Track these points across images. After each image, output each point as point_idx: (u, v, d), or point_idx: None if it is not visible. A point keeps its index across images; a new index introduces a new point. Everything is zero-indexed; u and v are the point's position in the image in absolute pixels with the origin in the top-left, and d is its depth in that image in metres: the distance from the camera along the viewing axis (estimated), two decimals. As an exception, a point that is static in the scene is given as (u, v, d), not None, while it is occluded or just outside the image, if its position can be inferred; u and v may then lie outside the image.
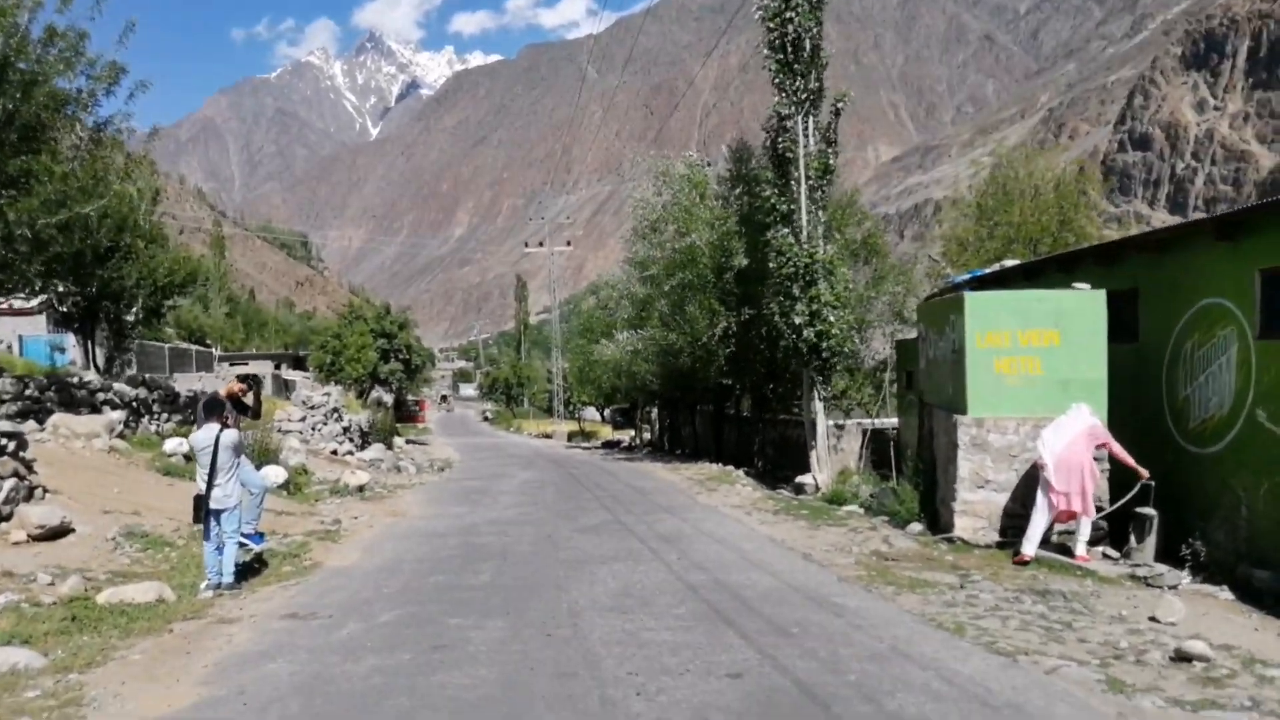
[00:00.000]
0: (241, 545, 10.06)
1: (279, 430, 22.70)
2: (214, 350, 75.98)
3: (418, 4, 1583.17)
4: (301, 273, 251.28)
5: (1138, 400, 10.30)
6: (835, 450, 21.48)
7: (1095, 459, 9.28)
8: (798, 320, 17.91)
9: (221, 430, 8.42)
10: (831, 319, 18.04)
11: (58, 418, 14.58)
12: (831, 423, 19.98)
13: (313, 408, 23.69)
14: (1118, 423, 9.70)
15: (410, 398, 57.94)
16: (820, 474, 18.50)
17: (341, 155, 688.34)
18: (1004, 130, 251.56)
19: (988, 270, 16.12)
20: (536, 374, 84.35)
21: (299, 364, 61.28)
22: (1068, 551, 9.17)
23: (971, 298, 10.12)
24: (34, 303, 23.23)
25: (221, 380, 56.76)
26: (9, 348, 33.65)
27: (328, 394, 24.73)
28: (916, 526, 10.73)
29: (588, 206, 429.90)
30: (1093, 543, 9.59)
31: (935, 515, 10.76)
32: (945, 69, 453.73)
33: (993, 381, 9.90)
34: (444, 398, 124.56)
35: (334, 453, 22.53)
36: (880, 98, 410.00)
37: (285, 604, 7.55)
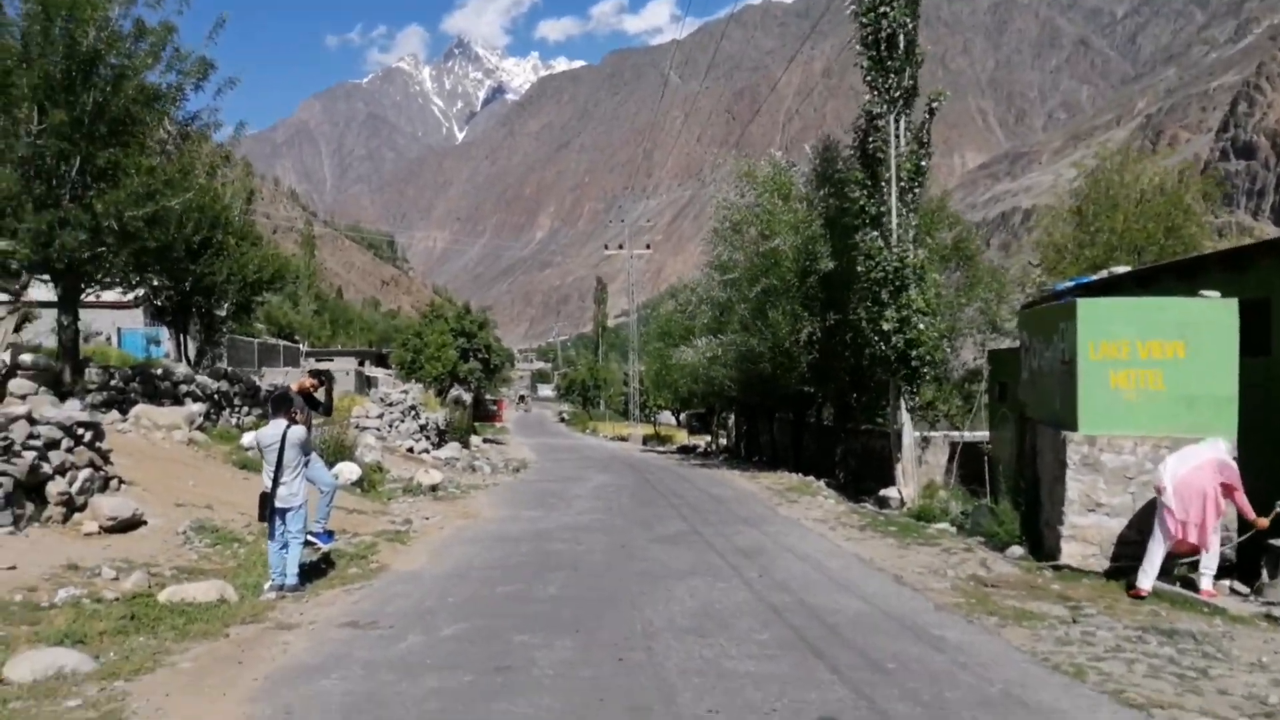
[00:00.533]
0: (309, 544, 9.86)
1: (357, 426, 22.79)
2: (301, 346, 77.99)
3: (505, 10, 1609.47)
4: (387, 272, 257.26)
5: (1270, 420, 9.35)
6: (921, 463, 20.56)
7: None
8: (886, 327, 17.15)
9: (289, 427, 8.17)
10: (921, 326, 17.22)
11: (140, 409, 14.73)
12: (918, 434, 19.10)
13: (390, 405, 23.74)
14: (1245, 443, 8.81)
15: (488, 397, 58.29)
16: (906, 488, 17.68)
17: (428, 159, 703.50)
18: (1098, 137, 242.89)
19: (1095, 277, 15.11)
20: (613, 376, 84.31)
21: (382, 361, 62.36)
22: (1190, 585, 8.31)
23: (1085, 304, 9.31)
24: (129, 296, 23.90)
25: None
26: (108, 339, 34.81)
27: (405, 391, 24.77)
28: (1017, 550, 9.93)
29: (668, 211, 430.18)
30: (1218, 576, 8.70)
31: (1038, 539, 9.95)
32: (1037, 74, 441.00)
33: (1107, 396, 9.08)
34: (522, 398, 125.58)
35: (410, 450, 22.51)
36: (969, 103, 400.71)
37: (346, 610, 7.24)
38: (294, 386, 9.85)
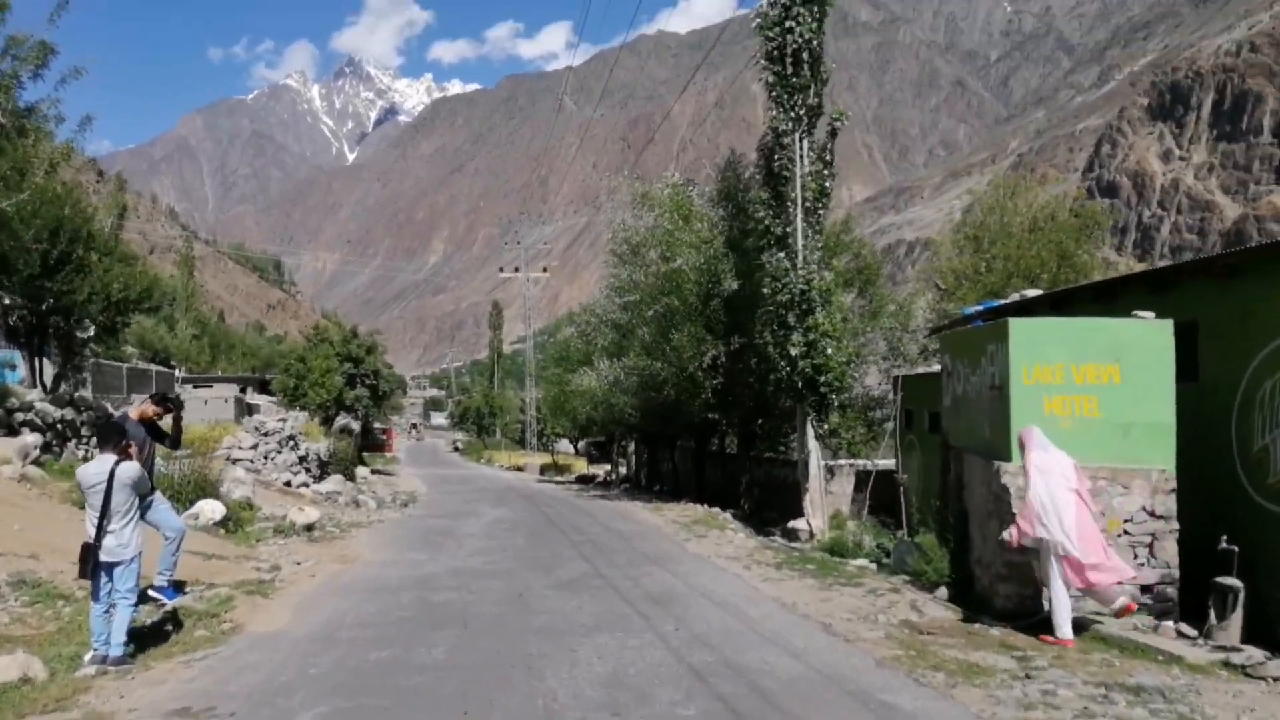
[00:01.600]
0: (151, 600, 8.43)
1: (228, 458, 20.94)
2: (177, 371, 73.62)
3: (398, 31, 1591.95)
4: (273, 296, 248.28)
5: (1199, 449, 8.94)
6: (827, 492, 20.02)
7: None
8: (793, 351, 16.60)
9: (118, 463, 6.78)
10: (830, 350, 16.73)
11: (-38, 441, 12.83)
12: (824, 463, 18.58)
13: (266, 434, 21.91)
14: (1178, 474, 8.37)
15: (377, 426, 55.86)
16: (814, 519, 17.08)
17: (317, 179, 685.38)
18: (975, 174, 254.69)
19: (1005, 300, 14.86)
20: (509, 404, 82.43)
21: (265, 388, 59.18)
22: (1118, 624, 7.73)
23: (1018, 324, 8.73)
24: None
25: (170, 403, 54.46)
26: (-45, 364, 31.63)
27: (283, 420, 22.97)
28: (944, 591, 9.25)
29: (564, 237, 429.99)
30: (1159, 615, 8.18)
31: (968, 578, 9.30)
32: (918, 112, 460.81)
33: (1042, 424, 8.49)
34: (414, 426, 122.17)
35: (287, 484, 20.76)
36: (855, 138, 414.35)
37: (180, 690, 5.91)
38: (133, 414, 8.42)
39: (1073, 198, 28.94)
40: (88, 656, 6.62)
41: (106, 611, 6.68)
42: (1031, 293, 13.90)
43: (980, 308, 15.23)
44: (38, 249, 18.81)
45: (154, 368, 63.64)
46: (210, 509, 13.38)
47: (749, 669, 6.45)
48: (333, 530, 14.84)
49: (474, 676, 6.19)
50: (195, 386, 68.65)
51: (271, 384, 53.68)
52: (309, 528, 14.17)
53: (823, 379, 16.70)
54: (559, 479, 45.38)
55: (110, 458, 6.83)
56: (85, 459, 15.78)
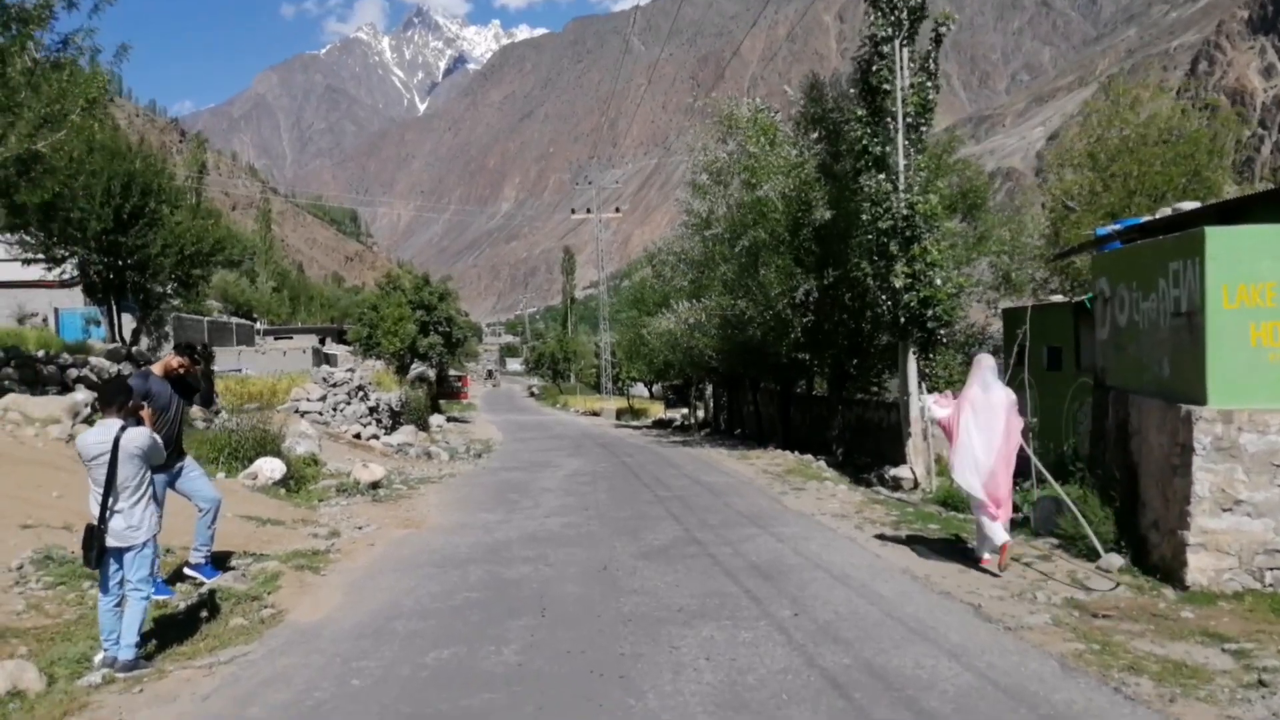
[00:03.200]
0: (188, 579, 7.41)
1: (296, 411, 20.26)
2: (258, 324, 74.68)
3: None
4: (351, 248, 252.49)
5: None
6: (927, 436, 18.38)
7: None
8: (897, 283, 14.92)
9: (123, 430, 5.64)
10: (938, 281, 15.00)
11: (11, 399, 12.09)
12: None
13: (334, 385, 21.14)
14: None
15: (452, 373, 55.56)
16: (918, 466, 15.56)
17: (390, 131, 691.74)
18: (1061, 99, 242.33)
19: (1147, 218, 12.87)
20: (584, 349, 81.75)
21: (343, 338, 59.41)
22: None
23: (1216, 234, 6.97)
24: (54, 273, 21.37)
25: (261, 354, 54.89)
26: (44, 320, 31.89)
27: (351, 369, 22.17)
28: (1116, 559, 7.66)
29: (634, 180, 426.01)
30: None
31: (1141, 545, 7.69)
32: (1000, 36, 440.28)
33: (1248, 357, 6.80)
34: (490, 373, 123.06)
35: (357, 436, 19.99)
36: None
37: (190, 713, 4.77)
38: (156, 369, 7.31)
39: (1203, 104, 26.09)
40: (97, 659, 5.57)
41: (117, 605, 5.60)
42: (1187, 205, 11.87)
43: (1117, 226, 13.29)
44: (106, 204, 18.38)
45: (235, 320, 64.54)
46: (270, 468, 12.48)
47: (902, 678, 5.04)
48: (400, 488, 13.84)
49: (554, 692, 4.92)
50: (276, 338, 69.80)
51: (347, 334, 53.79)
52: (374, 485, 13.19)
53: (929, 313, 15.05)
54: (635, 424, 44.34)
55: (115, 423, 5.68)
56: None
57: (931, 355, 15.65)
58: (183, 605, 6.86)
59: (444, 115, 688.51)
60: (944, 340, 17.01)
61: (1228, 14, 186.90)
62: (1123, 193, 21.95)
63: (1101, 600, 6.90)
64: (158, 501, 7.08)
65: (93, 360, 14.84)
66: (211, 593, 6.99)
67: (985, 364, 8.23)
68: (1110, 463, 8.54)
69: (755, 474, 15.62)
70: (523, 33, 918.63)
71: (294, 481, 12.98)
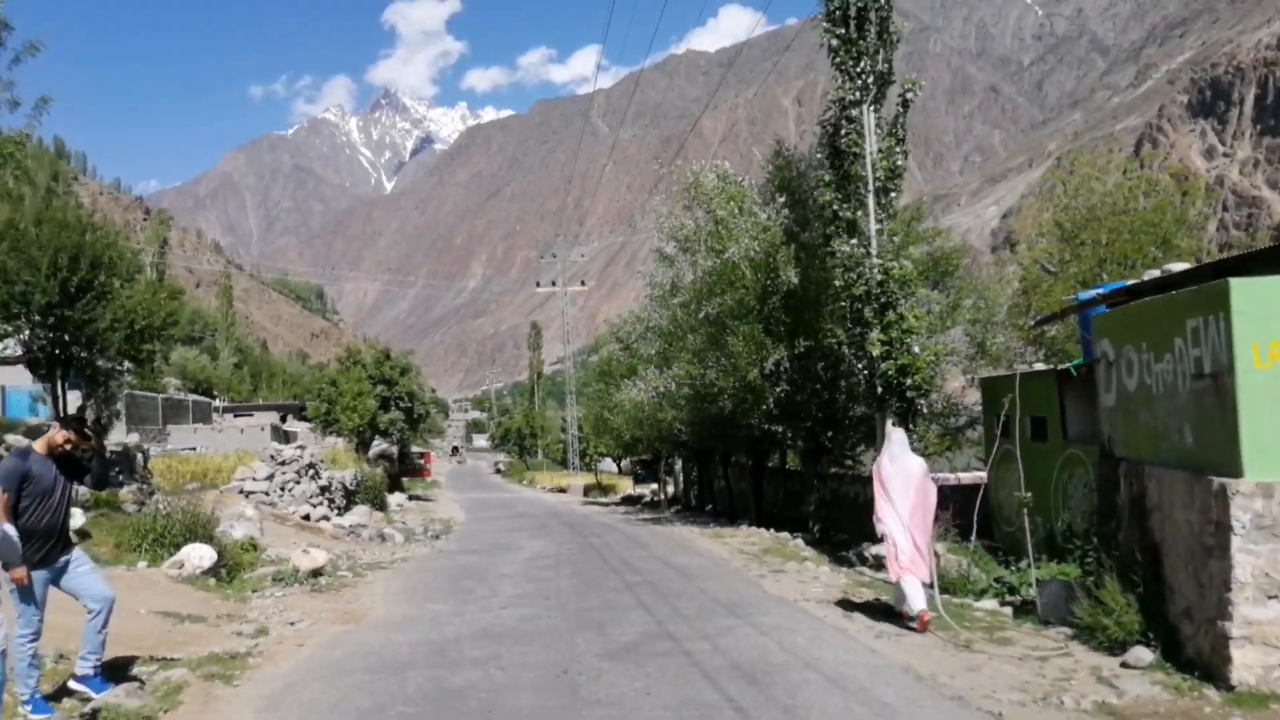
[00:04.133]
0: (73, 694, 6.28)
1: (241, 491, 19.04)
2: (217, 401, 72.76)
3: (432, 61, 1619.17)
4: (316, 325, 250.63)
5: None
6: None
7: None
8: (873, 351, 14.27)
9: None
10: (916, 349, 14.38)
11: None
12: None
13: (283, 463, 19.94)
14: None
15: (415, 450, 54.08)
16: (902, 545, 14.63)
17: (357, 209, 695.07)
18: (1012, 179, 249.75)
19: (1139, 280, 12.34)
20: (550, 424, 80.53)
21: (304, 415, 57.85)
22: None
23: (1242, 286, 6.31)
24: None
25: (218, 432, 53.04)
26: (-11, 400, 30.44)
27: (301, 447, 20.99)
28: (1145, 654, 6.77)
29: (600, 257, 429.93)
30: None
31: (1171, 637, 6.83)
32: (952, 120, 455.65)
33: (1286, 422, 6.08)
34: (455, 449, 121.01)
35: (306, 518, 18.74)
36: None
37: None
38: (39, 446, 6.30)
39: (1170, 172, 26.24)
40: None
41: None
42: (1176, 266, 11.35)
43: (1100, 290, 12.78)
44: (52, 277, 17.57)
45: (192, 397, 62.73)
46: (198, 555, 11.33)
47: (925, 818, 4.09)
48: (345, 575, 12.67)
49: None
50: (236, 415, 67.95)
51: (306, 410, 52.34)
52: (315, 574, 12.02)
53: (908, 381, 14.38)
54: (603, 500, 43.10)
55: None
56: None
57: (912, 426, 14.89)
58: (63, 727, 5.74)
59: (411, 194, 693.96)
60: (923, 410, 16.34)
61: (1168, 99, 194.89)
62: (1092, 260, 21.69)
63: (1137, 704, 6.01)
64: (35, 603, 6.03)
65: (8, 438, 13.65)
66: (95, 712, 5.88)
67: (894, 438, 9.19)
68: (1126, 542, 7.72)
69: (730, 554, 14.64)
70: (489, 114, 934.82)
71: (227, 570, 11.81)
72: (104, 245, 19.61)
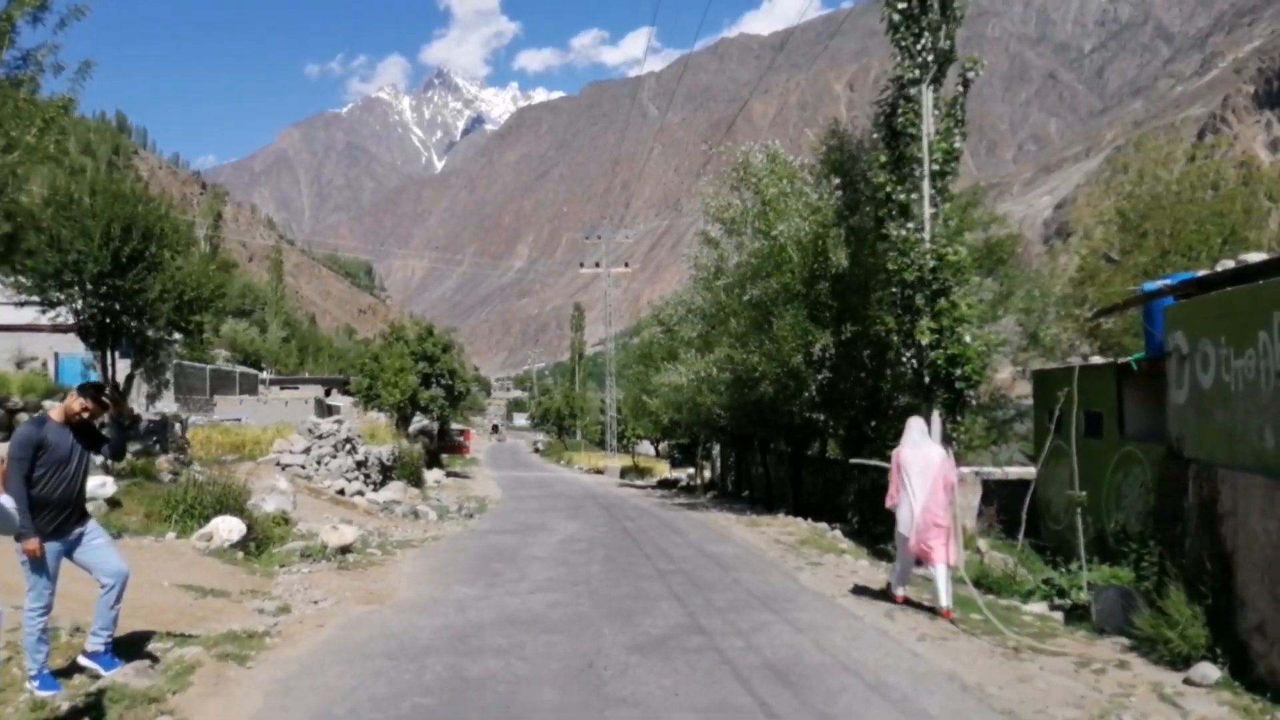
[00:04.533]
0: (82, 670, 6.11)
1: (278, 464, 19.05)
2: (265, 373, 73.80)
3: (485, 42, 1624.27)
4: (364, 301, 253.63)
5: None
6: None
7: None
8: (924, 340, 13.74)
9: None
10: (967, 339, 13.81)
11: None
12: (953, 471, 15.59)
13: (320, 436, 19.91)
14: None
15: (455, 426, 54.26)
16: (947, 540, 14.15)
17: (407, 188, 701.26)
18: (1068, 169, 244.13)
19: (1207, 273, 11.65)
20: (590, 405, 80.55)
21: (348, 389, 58.40)
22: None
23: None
24: (48, 316, 20.64)
25: (264, 403, 53.74)
26: (43, 365, 31.00)
27: (339, 420, 20.95)
28: (1211, 671, 6.28)
29: (645, 240, 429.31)
30: None
31: (1241, 653, 6.33)
32: (1008, 107, 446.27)
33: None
34: (495, 428, 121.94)
35: (340, 492, 18.70)
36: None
37: None
38: (54, 414, 6.10)
39: (1239, 160, 25.09)
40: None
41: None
42: (1253, 256, 10.66)
43: (1168, 281, 12.09)
44: (105, 247, 17.75)
45: (240, 369, 63.61)
46: (227, 528, 11.21)
47: None
48: (374, 553, 12.51)
49: None
50: (282, 388, 68.83)
51: (350, 385, 52.81)
52: (344, 550, 11.87)
53: (957, 372, 13.83)
54: (640, 483, 42.88)
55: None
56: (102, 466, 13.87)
57: (959, 418, 14.34)
58: (65, 707, 5.54)
59: (461, 173, 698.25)
60: (972, 402, 15.77)
61: (1233, 89, 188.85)
62: (1155, 251, 20.83)
63: (1203, 725, 5.54)
64: (48, 575, 5.84)
65: (45, 403, 13.68)
66: (101, 692, 5.68)
67: (915, 426, 9.43)
68: (1193, 549, 7.19)
69: (766, 544, 14.25)
70: (540, 95, 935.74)
71: (256, 543, 11.70)
72: (156, 217, 19.84)
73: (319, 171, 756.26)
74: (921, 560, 9.06)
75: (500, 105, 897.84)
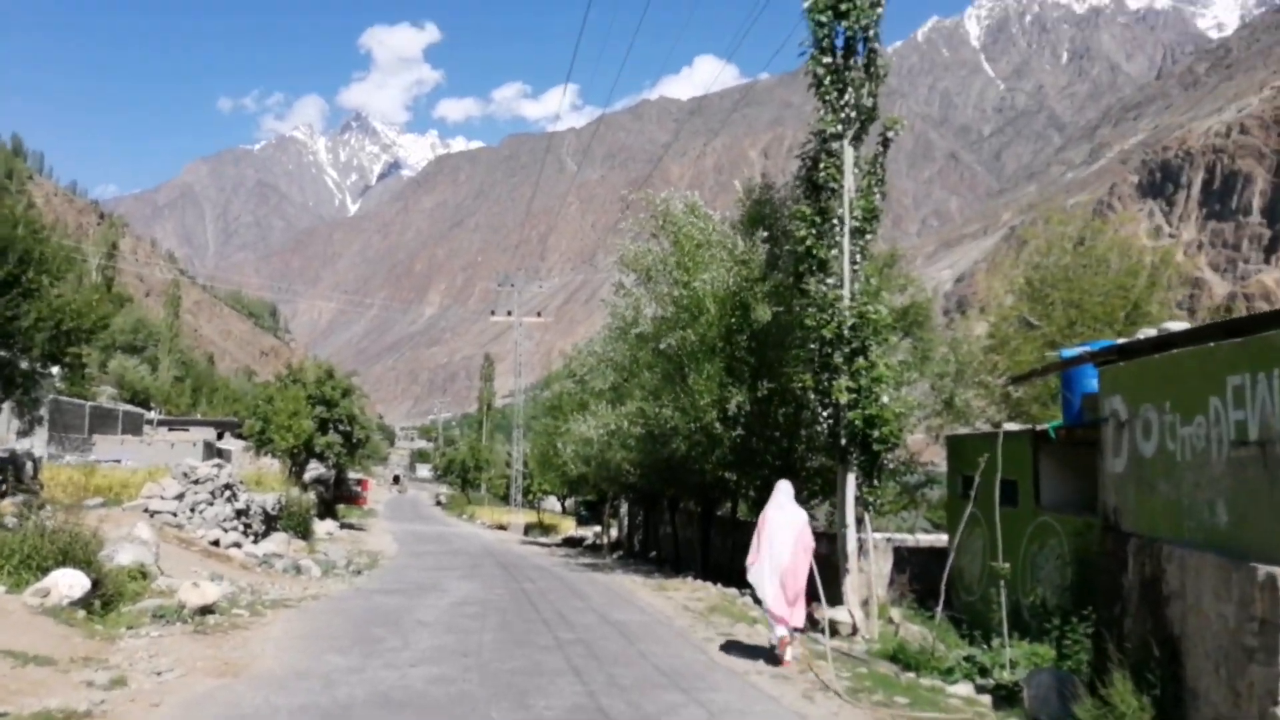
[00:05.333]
0: None
1: (146, 510, 17.43)
2: (153, 413, 69.83)
3: (406, 88, 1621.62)
4: (267, 343, 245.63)
5: None
6: (861, 571, 16.56)
7: None
8: (841, 399, 13.30)
9: None
10: (885, 400, 13.44)
11: None
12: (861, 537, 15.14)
13: (196, 481, 18.32)
14: None
15: (352, 475, 52.00)
16: (858, 610, 13.69)
17: (319, 229, 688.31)
18: (967, 245, 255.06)
19: (1134, 338, 11.51)
20: (496, 458, 78.67)
21: (240, 433, 55.60)
22: None
23: (1304, 339, 5.37)
24: None
25: (147, 445, 50.56)
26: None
27: (219, 464, 19.40)
28: (1163, 771, 5.72)
29: (559, 295, 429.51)
30: None
31: (1193, 748, 5.79)
32: (912, 183, 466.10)
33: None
34: (396, 478, 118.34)
35: (215, 543, 17.13)
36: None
37: None
38: None
39: (1144, 237, 25.94)
40: None
41: None
42: (1174, 325, 10.52)
43: (1088, 348, 11.89)
44: None
45: (123, 407, 59.94)
46: (67, 582, 9.81)
47: None
48: (240, 613, 11.20)
49: None
50: (170, 429, 65.15)
51: (242, 428, 50.21)
52: (205, 610, 10.55)
53: (874, 433, 13.42)
54: (544, 541, 41.59)
55: None
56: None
57: (876, 481, 13.90)
58: None
59: (374, 218, 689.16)
60: (889, 465, 15.40)
61: (1120, 178, 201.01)
62: (1063, 322, 21.09)
63: (1163, 837, 4.92)
64: None
65: None
66: None
67: (782, 488, 9.85)
68: (1135, 632, 6.67)
69: (675, 611, 13.42)
70: (459, 144, 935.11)
71: (103, 601, 10.30)
72: (35, 240, 18.43)
73: (226, 208, 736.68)
74: (774, 619, 9.31)
75: (418, 152, 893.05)
